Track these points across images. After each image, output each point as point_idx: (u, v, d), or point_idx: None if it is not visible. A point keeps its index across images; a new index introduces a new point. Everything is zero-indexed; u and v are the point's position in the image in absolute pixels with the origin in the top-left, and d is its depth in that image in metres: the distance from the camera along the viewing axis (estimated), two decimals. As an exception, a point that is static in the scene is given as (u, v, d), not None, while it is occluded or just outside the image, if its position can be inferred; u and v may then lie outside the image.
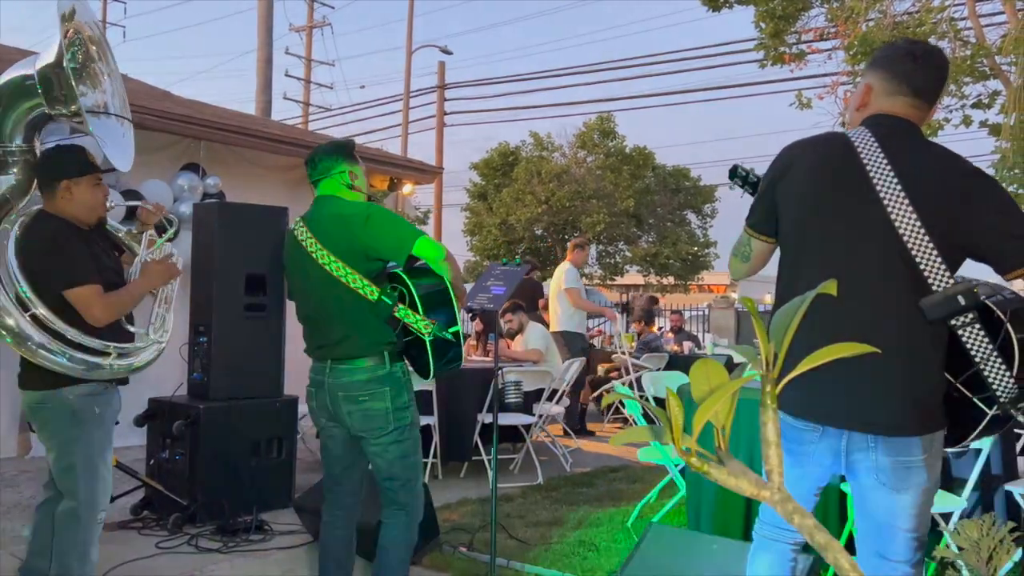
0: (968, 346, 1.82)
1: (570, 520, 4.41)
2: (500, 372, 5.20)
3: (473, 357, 6.77)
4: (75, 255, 2.64)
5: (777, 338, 0.74)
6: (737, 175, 2.31)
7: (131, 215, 3.04)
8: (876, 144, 1.90)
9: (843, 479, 2.44)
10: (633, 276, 27.30)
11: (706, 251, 27.18)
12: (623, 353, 8.31)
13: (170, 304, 3.11)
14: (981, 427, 1.87)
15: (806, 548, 2.11)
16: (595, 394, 8.16)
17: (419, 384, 3.56)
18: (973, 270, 1.94)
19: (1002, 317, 1.82)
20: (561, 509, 4.64)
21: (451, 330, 2.66)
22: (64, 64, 2.74)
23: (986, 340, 1.81)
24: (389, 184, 8.18)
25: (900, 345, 1.83)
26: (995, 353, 1.80)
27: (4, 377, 4.76)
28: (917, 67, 1.95)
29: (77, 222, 2.73)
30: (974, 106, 8.84)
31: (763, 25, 10.18)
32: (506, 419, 5.38)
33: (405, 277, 2.68)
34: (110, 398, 2.76)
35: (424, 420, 5.03)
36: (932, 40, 7.88)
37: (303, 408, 5.26)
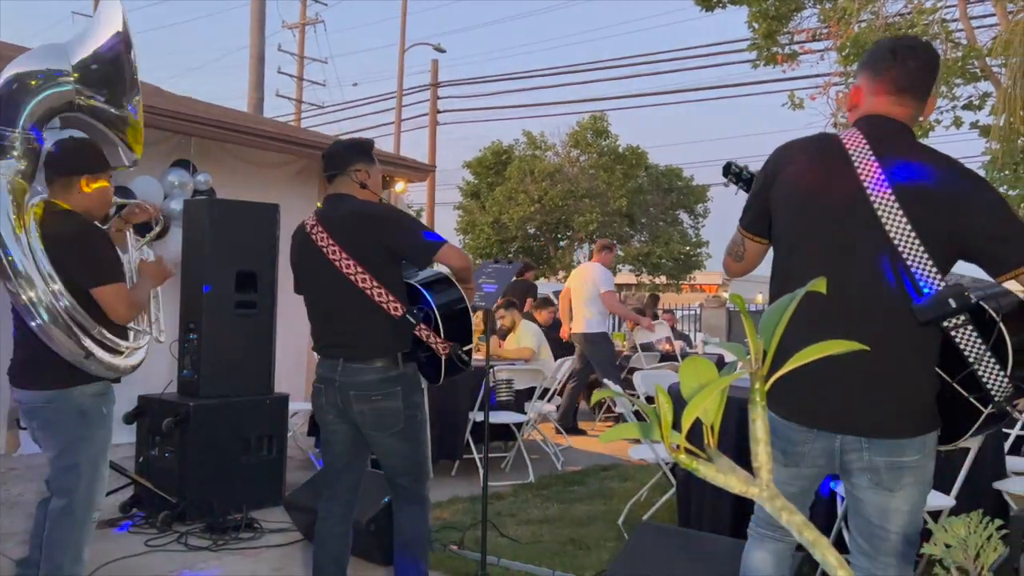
0: (961, 347, 1.82)
1: (561, 518, 4.41)
2: (492, 370, 5.19)
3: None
4: (103, 253, 2.64)
5: (766, 335, 0.74)
6: (731, 172, 2.31)
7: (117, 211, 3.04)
8: (867, 146, 1.89)
9: (833, 477, 2.45)
10: (625, 275, 27.36)
11: (698, 251, 27.26)
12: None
13: (159, 303, 3.11)
14: (977, 426, 1.87)
15: (800, 546, 2.12)
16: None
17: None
18: (964, 267, 1.94)
19: (994, 317, 1.82)
20: (552, 507, 4.64)
21: (464, 348, 2.71)
22: (130, 61, 2.81)
23: (979, 341, 1.81)
24: (381, 182, 8.16)
25: (892, 347, 1.83)
26: (988, 353, 1.81)
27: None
28: (896, 64, 1.94)
29: (91, 218, 2.73)
30: (965, 107, 8.88)
31: (756, 25, 10.20)
32: (497, 417, 5.38)
33: (428, 297, 2.71)
34: (113, 397, 2.76)
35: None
36: (923, 41, 7.89)
37: (294, 406, 5.27)
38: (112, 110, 2.97)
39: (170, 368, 4.71)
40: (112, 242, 2.75)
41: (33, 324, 2.55)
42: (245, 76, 15.39)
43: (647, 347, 8.73)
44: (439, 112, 23.27)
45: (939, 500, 3.29)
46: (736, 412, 2.98)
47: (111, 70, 2.96)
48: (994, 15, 8.71)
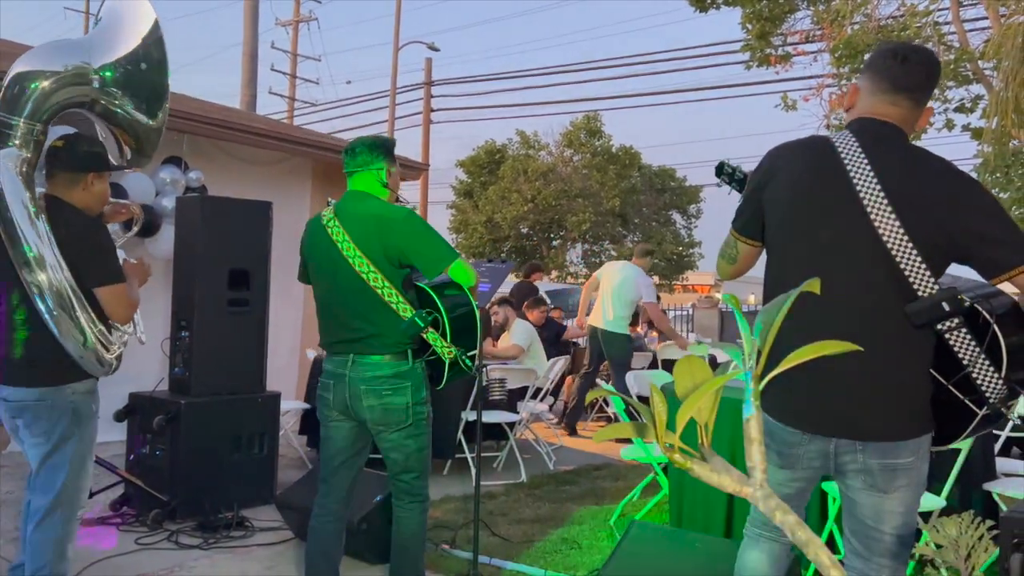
0: (956, 350, 1.83)
1: (553, 518, 4.41)
2: (484, 370, 5.19)
3: None
4: (109, 253, 2.64)
5: (762, 335, 0.74)
6: (724, 172, 2.32)
7: None
8: (859, 149, 1.89)
9: (825, 478, 2.45)
10: (618, 275, 27.34)
11: (691, 251, 27.33)
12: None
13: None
14: (972, 427, 1.88)
15: (794, 546, 2.13)
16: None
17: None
18: (958, 268, 1.95)
19: (988, 319, 1.83)
20: (544, 507, 4.65)
21: (469, 354, 2.75)
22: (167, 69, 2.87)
23: (973, 343, 1.82)
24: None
25: (886, 351, 1.83)
26: (983, 355, 1.81)
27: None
28: (896, 63, 1.95)
29: (91, 215, 2.72)
30: (957, 110, 8.94)
31: (750, 27, 10.24)
32: (490, 416, 5.37)
33: (438, 301, 2.73)
34: (98, 395, 2.75)
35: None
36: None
37: (286, 404, 5.26)
38: (142, 118, 2.91)
39: (161, 366, 4.69)
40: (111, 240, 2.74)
41: (43, 309, 2.53)
42: (238, 73, 15.38)
43: (638, 347, 8.71)
44: (432, 111, 23.25)
45: (930, 501, 3.30)
46: (729, 413, 2.99)
47: (148, 77, 2.92)
48: (986, 18, 8.75)
